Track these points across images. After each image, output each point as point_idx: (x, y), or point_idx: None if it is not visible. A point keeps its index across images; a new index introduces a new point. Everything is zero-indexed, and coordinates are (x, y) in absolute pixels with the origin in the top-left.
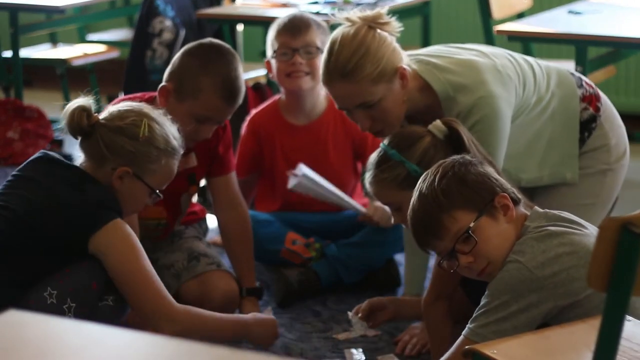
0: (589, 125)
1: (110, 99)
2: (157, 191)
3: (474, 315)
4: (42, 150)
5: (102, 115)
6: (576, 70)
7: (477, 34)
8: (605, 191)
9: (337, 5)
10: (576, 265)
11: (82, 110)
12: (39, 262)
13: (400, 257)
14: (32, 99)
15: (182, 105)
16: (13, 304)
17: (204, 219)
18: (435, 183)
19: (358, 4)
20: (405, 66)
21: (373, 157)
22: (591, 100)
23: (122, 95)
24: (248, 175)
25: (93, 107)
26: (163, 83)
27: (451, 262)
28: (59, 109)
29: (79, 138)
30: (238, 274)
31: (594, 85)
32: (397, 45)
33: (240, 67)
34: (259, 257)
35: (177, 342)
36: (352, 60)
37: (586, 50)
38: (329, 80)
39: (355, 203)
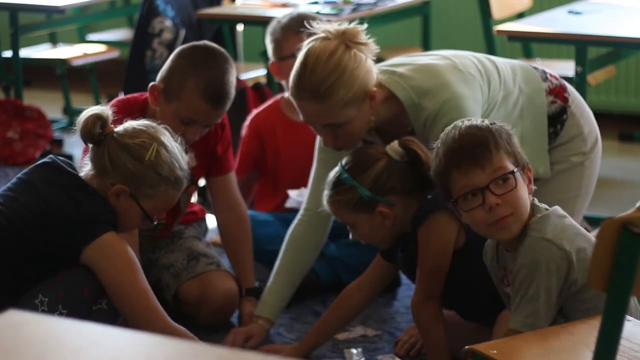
0: (560, 117)
1: (110, 99)
2: (152, 217)
3: (515, 303)
4: (50, 156)
5: (118, 128)
6: (576, 70)
7: (477, 34)
8: (586, 181)
9: (337, 5)
10: (587, 248)
11: (97, 118)
12: (30, 269)
13: None
14: (32, 99)
15: (169, 105)
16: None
17: (204, 219)
18: (490, 123)
19: (358, 4)
20: (374, 88)
21: (330, 176)
22: (558, 92)
23: (122, 95)
24: (249, 173)
25: (110, 118)
26: (154, 82)
27: (475, 200)
28: (59, 109)
29: (90, 145)
30: (237, 274)
31: (558, 77)
32: (371, 64)
33: (233, 73)
34: (258, 257)
35: (177, 342)
36: (326, 83)
37: (586, 50)
38: (297, 95)
39: None
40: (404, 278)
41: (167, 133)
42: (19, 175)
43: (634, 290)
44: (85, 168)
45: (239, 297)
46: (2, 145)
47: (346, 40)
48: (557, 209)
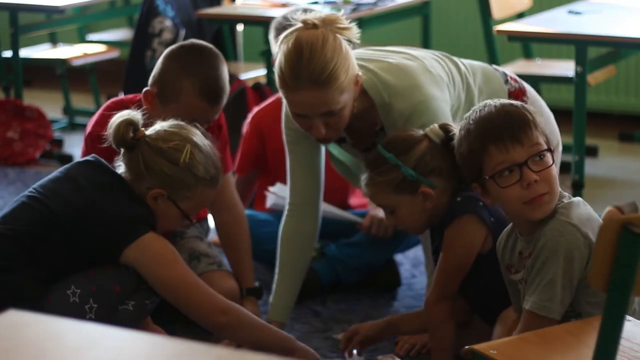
0: None
1: (109, 99)
2: (190, 217)
3: (533, 285)
4: (93, 155)
5: (149, 132)
6: (576, 70)
7: (477, 34)
8: None
9: (337, 5)
10: None
11: (129, 124)
12: (66, 262)
13: (400, 257)
14: (32, 99)
15: (166, 108)
16: (36, 300)
17: (206, 219)
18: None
19: (358, 4)
20: (359, 73)
21: (369, 158)
22: (517, 95)
23: (121, 95)
24: (250, 172)
25: (140, 122)
26: (147, 87)
27: (512, 176)
28: (59, 109)
29: (122, 150)
30: (237, 274)
31: (518, 79)
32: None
33: (224, 67)
34: (258, 257)
35: (177, 342)
36: (327, 69)
37: (586, 50)
38: (295, 86)
39: (347, 214)
40: (404, 278)
41: (198, 132)
42: (60, 169)
43: (634, 290)
44: (118, 171)
45: (240, 297)
46: (2, 145)
47: (330, 26)
48: (580, 199)
